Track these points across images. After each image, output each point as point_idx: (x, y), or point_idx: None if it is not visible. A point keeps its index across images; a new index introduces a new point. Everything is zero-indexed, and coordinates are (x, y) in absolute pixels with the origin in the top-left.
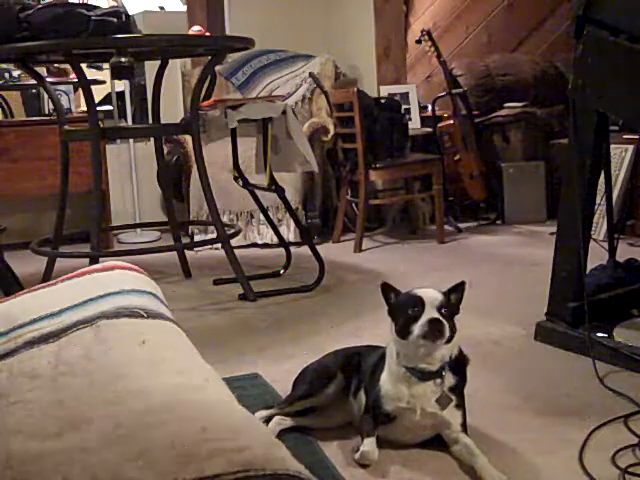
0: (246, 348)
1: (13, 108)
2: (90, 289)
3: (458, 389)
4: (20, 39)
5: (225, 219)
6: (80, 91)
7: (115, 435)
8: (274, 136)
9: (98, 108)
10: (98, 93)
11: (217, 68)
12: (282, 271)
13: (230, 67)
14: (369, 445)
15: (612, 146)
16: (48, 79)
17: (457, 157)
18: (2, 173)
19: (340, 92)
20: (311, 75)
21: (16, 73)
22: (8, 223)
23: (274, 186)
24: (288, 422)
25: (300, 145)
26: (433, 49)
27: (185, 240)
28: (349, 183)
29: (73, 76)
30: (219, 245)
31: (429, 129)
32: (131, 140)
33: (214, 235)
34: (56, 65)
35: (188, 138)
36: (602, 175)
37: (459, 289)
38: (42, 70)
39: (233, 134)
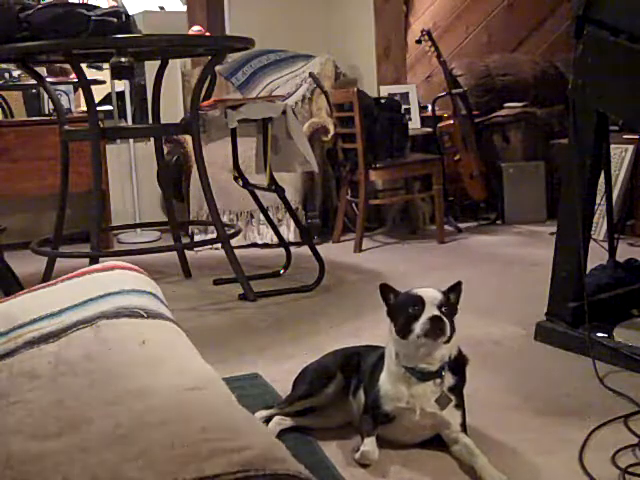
0: (246, 348)
1: (13, 108)
2: (90, 289)
3: (457, 389)
4: (20, 39)
5: (225, 219)
6: (80, 91)
7: (115, 435)
8: (274, 136)
9: (98, 108)
10: (98, 93)
11: (217, 68)
12: (282, 271)
13: (230, 67)
14: (369, 445)
15: (612, 146)
16: (48, 79)
17: (457, 157)
18: (2, 173)
19: (340, 92)
20: (311, 75)
21: (16, 73)
22: (8, 223)
23: (274, 186)
24: (288, 422)
25: (300, 145)
26: (433, 49)
27: (185, 240)
28: (349, 183)
29: (73, 76)
30: (219, 245)
31: (429, 129)
32: (131, 140)
33: (214, 235)
34: (57, 65)
35: (188, 138)
36: (602, 175)
37: (457, 289)
38: (42, 70)
39: (233, 134)
